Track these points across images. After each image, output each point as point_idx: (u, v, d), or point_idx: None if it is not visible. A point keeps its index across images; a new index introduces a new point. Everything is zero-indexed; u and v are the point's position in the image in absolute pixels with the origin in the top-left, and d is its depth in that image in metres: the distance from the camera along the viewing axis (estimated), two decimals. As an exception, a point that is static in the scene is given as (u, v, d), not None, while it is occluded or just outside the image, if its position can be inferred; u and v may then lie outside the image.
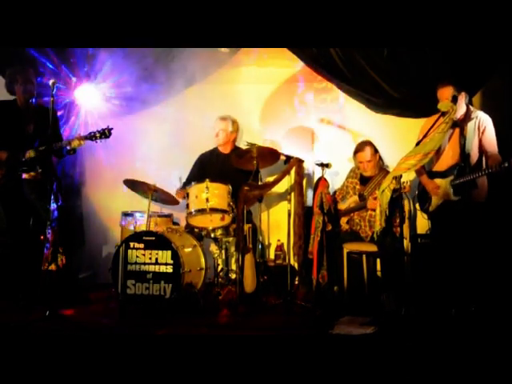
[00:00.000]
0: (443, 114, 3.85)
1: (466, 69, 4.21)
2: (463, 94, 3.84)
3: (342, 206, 4.46)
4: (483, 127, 3.80)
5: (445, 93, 3.81)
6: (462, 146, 3.81)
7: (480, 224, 3.73)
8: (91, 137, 4.16)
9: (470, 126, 3.82)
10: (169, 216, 4.78)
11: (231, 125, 4.82)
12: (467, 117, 3.86)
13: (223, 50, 5.09)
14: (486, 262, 3.76)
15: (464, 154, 3.79)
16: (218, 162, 4.80)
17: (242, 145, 4.66)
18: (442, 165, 3.92)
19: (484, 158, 3.81)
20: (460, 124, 3.87)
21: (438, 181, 3.91)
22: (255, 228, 4.50)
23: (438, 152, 3.90)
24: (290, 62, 5.07)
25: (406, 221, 4.17)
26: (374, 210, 4.03)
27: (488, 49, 4.10)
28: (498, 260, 3.84)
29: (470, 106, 3.93)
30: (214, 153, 4.91)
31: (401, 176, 3.72)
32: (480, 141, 3.81)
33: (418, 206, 4.25)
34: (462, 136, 3.82)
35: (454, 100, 3.74)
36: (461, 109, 3.83)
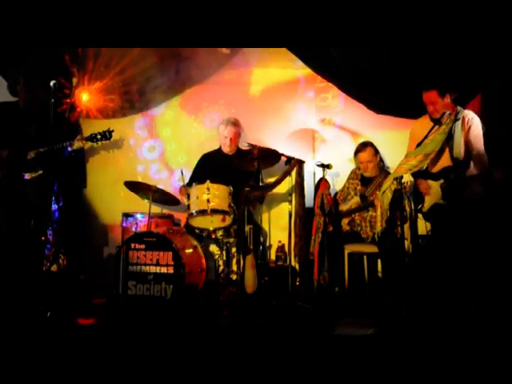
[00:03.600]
0: (443, 115, 3.85)
1: (466, 69, 4.21)
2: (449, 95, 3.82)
3: (344, 207, 4.46)
4: (468, 126, 3.77)
5: (429, 96, 3.81)
6: (450, 147, 3.78)
7: (475, 224, 3.70)
8: (92, 138, 4.19)
9: (457, 125, 3.79)
10: (169, 217, 4.78)
11: (241, 129, 4.80)
12: (454, 117, 3.83)
13: (224, 50, 5.09)
14: (483, 262, 3.74)
15: (452, 155, 3.77)
16: (222, 162, 4.76)
17: (242, 145, 4.65)
18: (437, 166, 3.91)
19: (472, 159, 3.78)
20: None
21: (430, 182, 3.90)
22: (258, 229, 4.49)
23: (440, 153, 3.88)
24: (290, 63, 5.06)
25: (407, 221, 4.17)
26: (375, 210, 4.04)
27: (488, 49, 4.10)
28: (495, 260, 3.82)
29: (457, 106, 3.89)
30: (218, 153, 4.85)
31: (401, 177, 3.72)
32: (466, 139, 3.78)
33: (417, 206, 4.24)
34: (450, 136, 3.79)
35: (456, 101, 3.74)
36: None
